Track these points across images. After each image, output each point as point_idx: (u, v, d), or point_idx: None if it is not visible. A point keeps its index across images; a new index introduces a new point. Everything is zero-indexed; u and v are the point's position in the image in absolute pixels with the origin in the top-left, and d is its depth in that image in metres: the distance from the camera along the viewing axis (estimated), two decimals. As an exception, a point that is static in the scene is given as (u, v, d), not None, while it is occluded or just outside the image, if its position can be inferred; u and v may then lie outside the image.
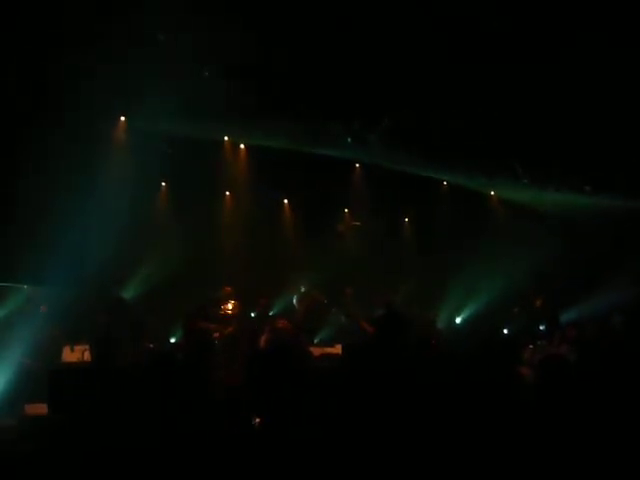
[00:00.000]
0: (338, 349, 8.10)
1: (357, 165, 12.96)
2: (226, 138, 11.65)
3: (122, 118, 10.18)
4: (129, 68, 7.41)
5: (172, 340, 9.80)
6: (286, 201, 12.74)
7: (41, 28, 7.04)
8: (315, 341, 9.74)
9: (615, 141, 9.19)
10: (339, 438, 2.74)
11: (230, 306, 9.17)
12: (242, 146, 11.90)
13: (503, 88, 8.26)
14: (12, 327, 7.89)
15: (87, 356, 7.78)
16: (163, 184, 11.43)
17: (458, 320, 12.57)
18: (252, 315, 10.36)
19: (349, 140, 10.57)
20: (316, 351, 8.41)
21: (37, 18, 7.06)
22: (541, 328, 10.01)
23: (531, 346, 7.79)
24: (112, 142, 10.10)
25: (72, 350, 7.90)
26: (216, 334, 8.63)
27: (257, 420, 3.16)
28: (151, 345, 8.37)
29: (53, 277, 8.72)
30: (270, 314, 10.36)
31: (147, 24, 7.07)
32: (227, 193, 12.15)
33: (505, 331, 11.02)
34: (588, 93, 8.13)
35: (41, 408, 5.70)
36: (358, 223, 13.05)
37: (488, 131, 9.62)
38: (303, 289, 10.67)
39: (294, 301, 10.47)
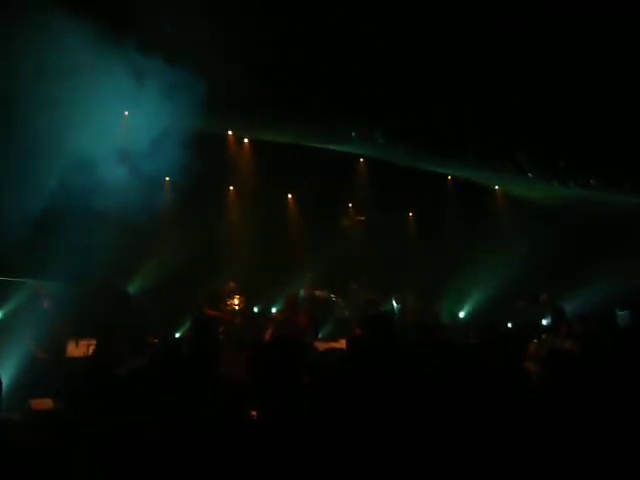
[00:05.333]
0: (342, 343, 8.10)
1: (361, 160, 12.94)
2: (230, 132, 11.63)
3: (125, 113, 10.16)
4: (131, 59, 7.38)
5: (177, 335, 9.80)
6: (290, 196, 12.72)
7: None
8: (319, 335, 9.75)
9: (621, 135, 9.14)
10: (339, 432, 2.72)
11: (236, 301, 9.19)
12: (246, 140, 11.89)
13: (508, 81, 8.22)
14: (17, 322, 7.92)
15: (92, 351, 7.81)
16: (167, 179, 11.41)
17: (462, 314, 12.56)
18: (255, 310, 10.38)
19: (353, 135, 10.54)
20: (321, 345, 8.44)
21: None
22: (544, 322, 9.98)
23: (535, 340, 7.76)
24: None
25: (77, 345, 7.93)
26: (220, 329, 8.65)
27: (254, 413, 3.15)
28: (155, 340, 8.37)
29: (58, 272, 8.73)
30: (274, 310, 10.39)
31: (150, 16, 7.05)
32: (231, 188, 12.13)
33: (509, 325, 11.01)
34: (594, 86, 8.09)
35: (47, 403, 5.72)
36: (362, 217, 13.03)
37: (493, 125, 9.58)
38: (308, 285, 10.66)
39: (300, 296, 10.46)
